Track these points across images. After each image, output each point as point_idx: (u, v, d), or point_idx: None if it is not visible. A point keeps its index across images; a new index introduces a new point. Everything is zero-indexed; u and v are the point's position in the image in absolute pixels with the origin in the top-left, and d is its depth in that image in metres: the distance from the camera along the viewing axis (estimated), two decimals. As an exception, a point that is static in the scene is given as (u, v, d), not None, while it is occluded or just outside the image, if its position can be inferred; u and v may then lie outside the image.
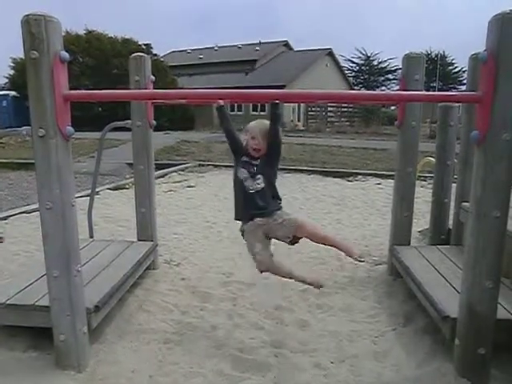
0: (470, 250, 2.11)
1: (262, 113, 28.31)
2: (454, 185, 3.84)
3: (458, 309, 2.22)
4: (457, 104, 3.78)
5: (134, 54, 3.49)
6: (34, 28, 1.90)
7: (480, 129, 1.98)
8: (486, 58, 1.92)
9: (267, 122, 2.55)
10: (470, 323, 2.13)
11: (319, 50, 33.56)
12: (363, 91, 14.25)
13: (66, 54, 1.99)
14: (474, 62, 3.25)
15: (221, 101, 2.57)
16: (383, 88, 45.61)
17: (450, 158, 3.87)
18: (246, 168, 2.55)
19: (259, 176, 2.53)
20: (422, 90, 3.34)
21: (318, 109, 28.00)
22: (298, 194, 7.22)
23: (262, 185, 2.53)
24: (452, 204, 3.82)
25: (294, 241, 2.61)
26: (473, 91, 2.37)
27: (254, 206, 2.53)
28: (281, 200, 2.65)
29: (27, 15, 1.92)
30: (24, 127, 14.34)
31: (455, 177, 3.80)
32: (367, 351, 2.50)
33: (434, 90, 27.56)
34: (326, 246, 2.48)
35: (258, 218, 2.54)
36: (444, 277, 2.90)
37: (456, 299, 2.29)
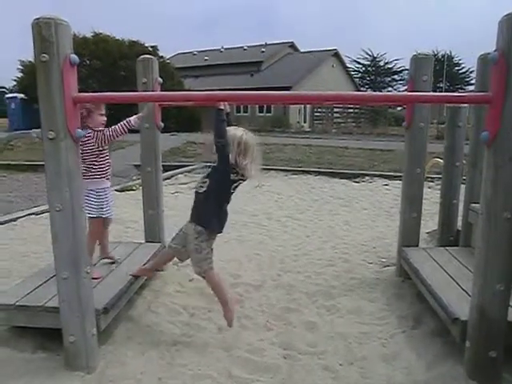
0: (480, 252, 2.09)
1: (267, 114, 28.38)
2: (462, 186, 3.81)
3: (469, 311, 2.20)
4: (465, 105, 3.76)
5: (141, 57, 3.51)
6: (44, 31, 1.91)
7: (490, 129, 1.97)
8: (497, 58, 1.90)
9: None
10: (480, 326, 2.11)
11: (325, 51, 33.51)
12: (372, 92, 14.22)
13: (75, 57, 2.01)
14: (483, 62, 3.22)
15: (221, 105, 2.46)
16: (390, 89, 45.46)
17: (458, 159, 3.84)
18: (206, 169, 2.61)
19: (206, 180, 2.55)
20: (430, 91, 3.32)
21: (324, 110, 27.95)
22: (304, 195, 7.21)
23: (205, 189, 2.54)
24: (461, 205, 3.79)
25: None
26: (482, 92, 2.35)
27: (192, 207, 2.63)
28: (215, 224, 2.62)
29: (37, 18, 1.93)
30: (34, 130, 14.43)
31: (464, 178, 3.77)
32: (376, 353, 2.48)
33: (441, 91, 27.42)
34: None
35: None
36: (453, 278, 2.88)
37: (466, 301, 2.28)
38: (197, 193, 2.60)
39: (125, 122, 2.90)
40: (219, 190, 2.56)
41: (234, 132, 2.52)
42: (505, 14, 1.89)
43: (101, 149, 2.89)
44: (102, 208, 2.96)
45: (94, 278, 2.65)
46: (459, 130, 3.79)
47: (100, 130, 2.86)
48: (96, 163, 2.90)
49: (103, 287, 2.74)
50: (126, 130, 2.90)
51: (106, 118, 2.94)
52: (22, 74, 24.55)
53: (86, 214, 2.71)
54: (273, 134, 21.45)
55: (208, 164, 2.59)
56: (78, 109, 2.10)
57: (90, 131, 2.82)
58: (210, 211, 2.58)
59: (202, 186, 2.55)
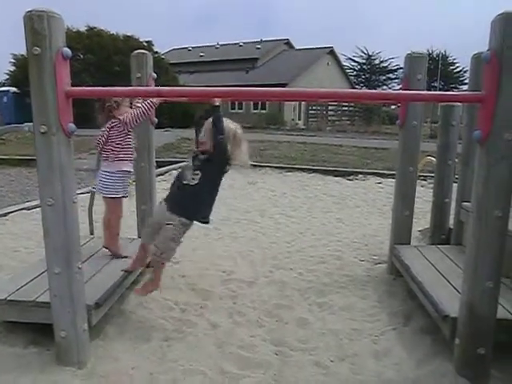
0: (470, 249, 2.11)
1: (262, 111, 28.36)
2: (454, 184, 3.84)
3: (459, 308, 2.22)
4: (459, 104, 3.78)
5: (135, 51, 3.48)
6: (36, 24, 1.89)
7: (482, 128, 1.98)
8: (490, 57, 1.92)
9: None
10: (470, 323, 2.13)
11: (320, 48, 33.53)
12: (366, 90, 14.23)
13: (68, 51, 1.99)
14: (477, 61, 3.24)
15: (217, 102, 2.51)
16: (384, 87, 45.58)
17: (451, 158, 3.87)
18: (192, 159, 2.59)
19: (198, 172, 2.53)
20: (424, 90, 3.33)
21: (319, 107, 27.98)
22: (298, 192, 7.22)
23: (197, 181, 2.52)
24: (453, 204, 3.82)
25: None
26: (475, 91, 2.36)
27: (177, 199, 2.61)
28: (207, 216, 2.64)
29: (30, 11, 1.91)
30: (26, 123, 14.31)
31: (456, 176, 3.80)
32: (367, 350, 2.50)
33: (435, 90, 27.53)
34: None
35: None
36: (444, 276, 2.91)
37: (456, 299, 2.30)
38: (187, 185, 2.55)
39: (148, 101, 3.05)
40: (216, 181, 2.61)
41: (228, 125, 2.56)
42: (497, 14, 1.90)
43: (126, 132, 3.11)
44: (126, 188, 3.23)
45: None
46: (452, 128, 3.82)
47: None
48: (120, 147, 3.13)
49: (95, 282, 2.73)
50: (149, 109, 3.05)
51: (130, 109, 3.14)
52: (14, 68, 24.32)
53: (109, 195, 3.14)
54: (267, 131, 21.48)
55: (197, 156, 2.58)
56: (71, 103, 2.08)
57: (115, 120, 3.08)
58: (203, 203, 2.60)
59: (193, 179, 2.53)
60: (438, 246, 3.62)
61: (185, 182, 2.56)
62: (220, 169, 2.59)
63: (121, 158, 3.15)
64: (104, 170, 3.16)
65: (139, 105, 3.09)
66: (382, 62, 46.62)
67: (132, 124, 3.07)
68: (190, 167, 2.58)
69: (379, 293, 3.29)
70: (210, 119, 2.52)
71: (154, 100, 3.03)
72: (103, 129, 3.14)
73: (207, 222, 2.66)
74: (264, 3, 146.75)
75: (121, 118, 3.06)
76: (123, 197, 3.27)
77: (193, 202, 2.56)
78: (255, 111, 28.74)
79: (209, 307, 3.03)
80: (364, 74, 47.64)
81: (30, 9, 1.92)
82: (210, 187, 2.60)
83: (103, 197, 3.22)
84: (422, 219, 4.89)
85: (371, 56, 46.86)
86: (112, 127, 3.09)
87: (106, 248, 3.30)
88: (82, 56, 23.21)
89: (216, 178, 2.61)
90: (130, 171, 3.26)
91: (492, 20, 1.93)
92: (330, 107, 28.17)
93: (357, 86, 43.06)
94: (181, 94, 2.70)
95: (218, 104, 2.46)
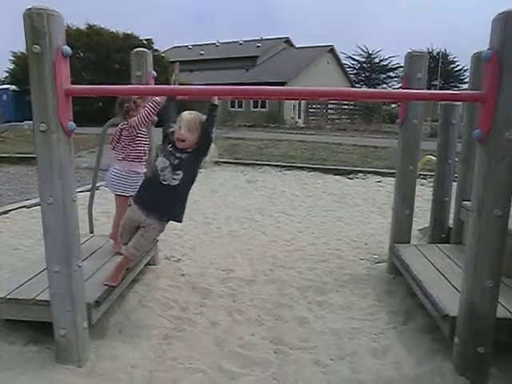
0: (470, 248, 2.11)
1: (262, 109, 28.35)
2: (454, 183, 3.84)
3: (458, 307, 2.22)
4: (459, 102, 3.78)
5: (135, 50, 3.48)
6: (36, 22, 1.89)
7: (482, 127, 1.98)
8: (490, 56, 1.91)
9: (200, 117, 2.47)
10: (469, 322, 2.14)
11: (320, 46, 33.47)
12: (366, 89, 14.24)
13: (68, 49, 1.98)
14: (477, 60, 3.24)
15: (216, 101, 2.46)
16: (384, 86, 45.57)
17: (451, 157, 3.86)
18: (168, 158, 2.46)
19: (179, 172, 2.44)
20: (424, 89, 3.33)
21: (319, 106, 27.96)
22: (298, 191, 7.21)
23: (178, 181, 2.44)
24: (453, 203, 3.82)
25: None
26: (476, 90, 2.36)
27: (157, 201, 2.49)
28: (181, 211, 2.59)
29: (29, 9, 1.90)
30: (26, 121, 14.28)
31: (456, 175, 3.80)
32: (367, 349, 2.50)
33: (436, 89, 27.53)
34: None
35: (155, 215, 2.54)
36: (444, 275, 2.91)
37: (456, 298, 2.30)
38: (168, 186, 2.43)
39: (151, 101, 3.04)
40: (195, 176, 2.55)
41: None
42: (498, 13, 1.90)
43: (135, 134, 3.14)
44: (136, 188, 3.17)
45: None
46: (452, 127, 3.81)
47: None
48: (130, 148, 3.18)
49: (95, 281, 2.73)
50: (154, 109, 3.04)
51: None
52: (13, 65, 24.28)
53: (116, 192, 3.21)
54: (267, 129, 21.47)
55: (174, 154, 2.45)
56: (71, 101, 2.08)
57: (125, 122, 3.14)
58: (183, 203, 2.57)
59: (174, 179, 2.43)
60: (438, 245, 3.62)
61: (165, 183, 2.43)
62: (199, 164, 2.53)
63: (130, 159, 3.20)
64: (114, 168, 3.25)
65: (146, 108, 3.08)
66: (381, 60, 46.65)
67: (139, 126, 3.10)
68: (167, 167, 2.44)
69: (379, 291, 3.30)
70: (187, 112, 2.47)
71: (159, 99, 3.02)
72: (117, 128, 3.22)
73: (181, 221, 2.64)
74: (265, 2, 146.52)
75: (129, 121, 3.10)
76: (131, 197, 3.25)
77: (177, 203, 2.54)
78: (255, 109, 28.73)
79: (208, 305, 3.03)
80: (364, 73, 47.63)
81: (29, 6, 1.91)
82: (190, 184, 2.55)
83: (114, 194, 3.30)
84: (421, 218, 4.89)
85: (371, 54, 46.88)
86: (122, 129, 3.17)
87: (112, 239, 3.35)
88: (81, 54, 23.18)
89: (196, 173, 2.55)
90: (139, 172, 3.26)
91: (492, 19, 1.93)
92: (329, 106, 28.17)
93: (357, 85, 43.04)
94: (180, 93, 2.70)
95: (216, 103, 2.43)
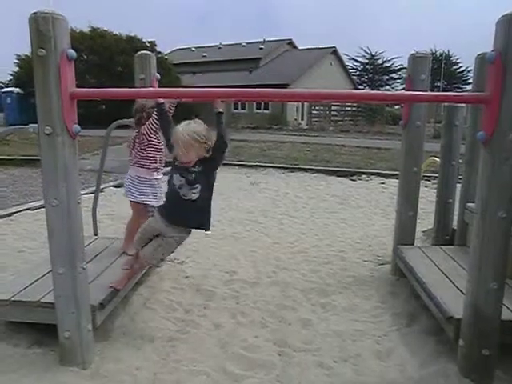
0: (475, 250, 2.11)
1: (265, 111, 28.36)
2: (458, 185, 3.83)
3: (463, 310, 2.21)
4: (463, 104, 3.77)
5: (139, 52, 3.50)
6: (41, 26, 1.90)
7: (486, 129, 1.98)
8: (494, 58, 1.91)
9: (194, 129, 2.32)
10: (474, 324, 2.13)
11: (323, 48, 33.45)
12: (369, 91, 14.21)
13: (73, 52, 2.00)
14: (481, 61, 3.23)
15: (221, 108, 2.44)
16: (387, 87, 45.48)
17: (454, 159, 3.86)
18: (182, 175, 2.39)
19: (197, 185, 2.39)
20: (427, 90, 3.33)
21: (322, 107, 27.93)
22: (301, 192, 7.21)
23: (198, 194, 2.40)
24: (456, 204, 3.81)
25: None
26: (479, 91, 2.36)
27: (181, 213, 2.45)
28: (208, 219, 2.55)
29: (35, 13, 1.92)
30: (31, 125, 14.32)
31: (460, 177, 3.79)
32: (371, 351, 2.50)
33: (439, 90, 27.43)
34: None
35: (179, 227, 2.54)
36: (448, 277, 2.90)
37: (460, 300, 2.29)
38: (188, 201, 2.40)
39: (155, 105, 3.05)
40: (213, 185, 2.52)
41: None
42: (502, 15, 1.90)
43: (146, 142, 3.16)
44: (149, 197, 3.24)
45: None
46: (456, 128, 3.80)
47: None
48: (141, 154, 3.21)
49: (99, 283, 2.74)
50: (160, 114, 3.02)
51: None
52: (18, 68, 24.40)
53: (130, 198, 3.24)
54: (270, 131, 21.47)
55: (187, 169, 2.38)
56: (75, 104, 2.09)
57: (137, 131, 3.19)
58: (209, 211, 2.53)
59: (194, 193, 2.39)
60: (442, 247, 3.61)
61: (186, 198, 2.40)
62: (216, 171, 2.49)
63: (139, 165, 3.23)
64: (128, 174, 3.30)
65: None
66: (384, 61, 46.50)
67: (149, 134, 3.13)
68: (183, 184, 2.39)
69: (383, 293, 3.29)
70: (183, 133, 2.30)
71: (161, 101, 3.02)
72: (133, 135, 3.27)
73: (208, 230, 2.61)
74: (267, 3, 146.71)
75: (140, 129, 3.15)
76: (146, 204, 3.24)
77: (203, 214, 2.52)
78: (258, 111, 28.73)
79: (212, 308, 3.04)
80: (367, 74, 47.52)
81: (35, 10, 1.93)
82: (210, 193, 2.52)
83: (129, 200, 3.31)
84: (425, 220, 4.88)
85: (374, 56, 46.76)
86: (135, 137, 3.24)
87: (125, 253, 3.27)
88: (85, 57, 23.27)
89: (213, 182, 2.52)
90: (147, 178, 3.24)
91: (496, 21, 1.92)
92: (333, 107, 28.13)
93: (360, 86, 42.97)
94: (183, 95, 2.71)
95: (221, 110, 2.41)
